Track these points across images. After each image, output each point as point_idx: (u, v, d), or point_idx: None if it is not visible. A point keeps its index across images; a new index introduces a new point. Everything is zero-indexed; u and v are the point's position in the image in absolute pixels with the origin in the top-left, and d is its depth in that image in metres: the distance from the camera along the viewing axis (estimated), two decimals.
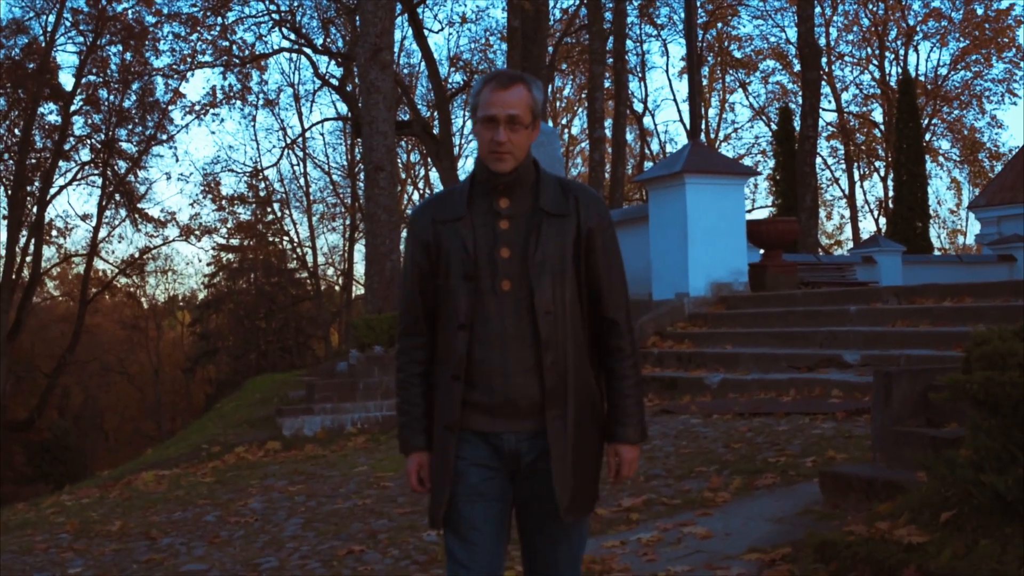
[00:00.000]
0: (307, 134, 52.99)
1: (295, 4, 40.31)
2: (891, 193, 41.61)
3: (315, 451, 14.31)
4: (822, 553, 5.49)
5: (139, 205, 48.85)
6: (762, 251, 19.61)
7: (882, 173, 52.81)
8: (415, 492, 3.76)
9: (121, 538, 9.21)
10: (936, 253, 41.83)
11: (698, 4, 39.05)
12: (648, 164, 52.05)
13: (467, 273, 3.52)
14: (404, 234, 3.57)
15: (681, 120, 58.40)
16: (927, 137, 47.22)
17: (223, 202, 52.13)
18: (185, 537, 8.92)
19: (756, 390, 12.94)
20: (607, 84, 39.10)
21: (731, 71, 53.10)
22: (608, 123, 39.82)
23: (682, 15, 37.58)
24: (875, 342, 13.19)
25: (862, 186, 55.85)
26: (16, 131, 44.90)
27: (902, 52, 50.61)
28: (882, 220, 52.00)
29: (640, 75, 51.47)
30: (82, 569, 8.19)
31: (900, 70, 48.84)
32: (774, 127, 44.70)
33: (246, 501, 10.27)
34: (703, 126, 50.14)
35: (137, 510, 10.65)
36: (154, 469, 14.21)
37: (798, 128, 35.13)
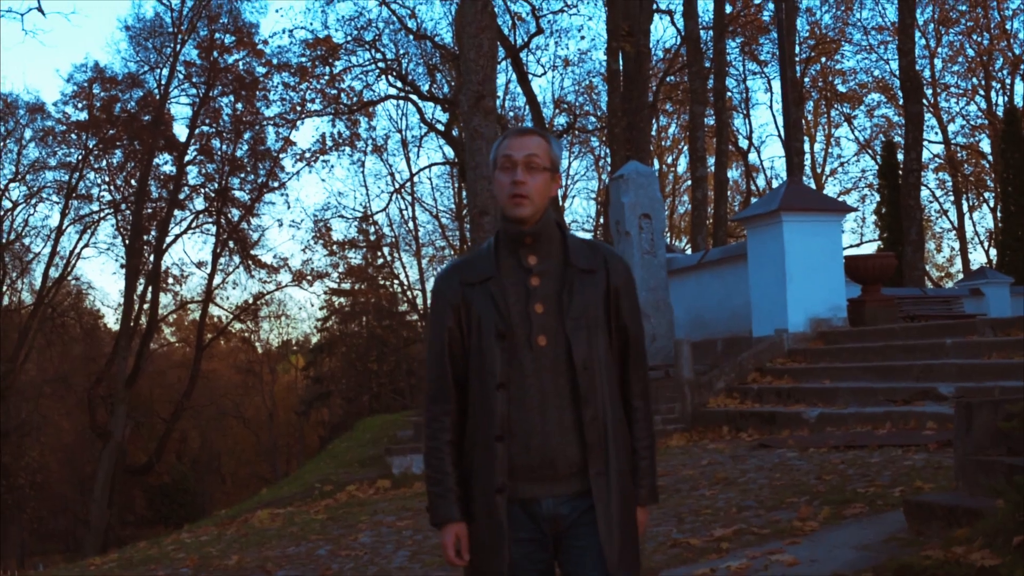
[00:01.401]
0: (415, 179, 53.60)
1: (401, 52, 41.19)
2: (1000, 224, 41.13)
3: (423, 488, 14.55)
4: None
5: (252, 252, 49.75)
6: (861, 286, 19.68)
7: (991, 204, 52.18)
8: (452, 565, 3.59)
9: (238, 571, 9.55)
10: None
11: (799, 40, 39.16)
12: (754, 200, 51.97)
13: (500, 331, 3.46)
14: (431, 300, 3.56)
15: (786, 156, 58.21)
16: None
17: (334, 247, 52.67)
18: (298, 570, 9.22)
19: (853, 423, 13.06)
20: (710, 122, 39.25)
21: (836, 105, 52.84)
22: (711, 161, 39.94)
23: None
24: (970, 374, 13.21)
25: (971, 217, 55.02)
26: (133, 182, 46.32)
27: (1008, 81, 50.10)
28: (992, 252, 51.32)
29: (744, 112, 51.60)
30: None
31: (1007, 100, 48.32)
32: (879, 161, 44.42)
33: (356, 536, 10.54)
34: (808, 161, 49.99)
35: (253, 546, 10.96)
36: (269, 507, 14.57)
37: (902, 161, 34.92)
